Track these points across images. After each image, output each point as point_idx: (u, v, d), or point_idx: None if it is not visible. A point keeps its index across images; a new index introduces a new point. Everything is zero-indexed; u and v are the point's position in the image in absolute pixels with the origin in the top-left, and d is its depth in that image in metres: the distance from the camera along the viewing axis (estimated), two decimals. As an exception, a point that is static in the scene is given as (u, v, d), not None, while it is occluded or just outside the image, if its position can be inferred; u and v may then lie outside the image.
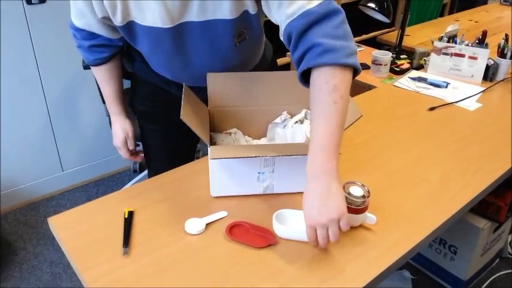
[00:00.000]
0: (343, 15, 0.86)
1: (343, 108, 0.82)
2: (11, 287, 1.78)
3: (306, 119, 1.11)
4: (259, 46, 1.19)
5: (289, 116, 1.12)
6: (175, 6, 0.92)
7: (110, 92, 1.21)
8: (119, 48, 1.14)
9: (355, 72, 0.86)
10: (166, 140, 1.30)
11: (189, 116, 0.91)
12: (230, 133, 1.12)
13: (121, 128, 1.24)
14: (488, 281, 1.79)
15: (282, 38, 0.90)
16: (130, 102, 1.30)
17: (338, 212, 0.79)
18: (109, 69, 1.17)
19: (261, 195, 1.01)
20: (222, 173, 0.96)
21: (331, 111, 0.81)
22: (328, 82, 0.81)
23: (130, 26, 0.97)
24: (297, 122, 1.11)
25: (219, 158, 0.91)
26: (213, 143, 1.08)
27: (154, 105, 1.25)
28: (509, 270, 1.85)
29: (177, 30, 0.97)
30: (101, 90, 1.23)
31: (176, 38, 0.98)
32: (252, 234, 0.89)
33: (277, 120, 1.12)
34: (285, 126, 1.12)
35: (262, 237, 0.88)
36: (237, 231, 0.90)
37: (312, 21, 0.83)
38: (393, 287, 1.73)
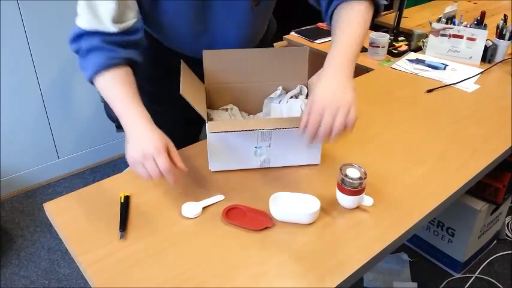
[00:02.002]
0: None
1: (363, 32, 0.91)
2: (9, 274, 1.79)
3: (301, 94, 1.12)
4: (268, 17, 1.21)
5: (285, 92, 1.13)
6: None
7: (131, 93, 0.91)
8: (134, 53, 0.96)
9: (376, 12, 0.97)
10: (176, 123, 1.27)
11: (188, 92, 0.91)
12: (226, 109, 1.13)
13: (158, 133, 0.87)
14: (485, 263, 1.80)
15: None
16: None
17: (352, 102, 0.82)
18: (127, 72, 0.93)
19: (258, 171, 1.01)
20: (220, 147, 0.97)
21: (356, 28, 0.90)
22: (354, 9, 0.92)
23: (152, 1, 0.96)
24: (292, 97, 1.11)
25: (217, 131, 0.92)
26: (210, 119, 1.09)
27: (165, 86, 1.22)
28: (507, 252, 1.86)
29: None
30: (114, 97, 0.91)
31: (196, 5, 1.00)
32: (248, 217, 0.88)
33: (273, 95, 1.13)
34: (280, 101, 1.12)
35: (258, 220, 0.88)
36: (233, 214, 0.89)
37: None
38: (391, 269, 1.75)
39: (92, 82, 0.94)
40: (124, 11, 0.91)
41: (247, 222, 0.87)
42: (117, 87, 0.91)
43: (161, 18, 1.01)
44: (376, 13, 0.97)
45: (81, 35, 0.91)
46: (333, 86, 0.84)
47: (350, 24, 0.92)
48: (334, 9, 0.96)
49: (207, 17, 1.05)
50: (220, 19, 1.06)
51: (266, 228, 0.86)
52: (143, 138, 0.84)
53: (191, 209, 0.90)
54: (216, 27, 1.07)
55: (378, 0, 0.95)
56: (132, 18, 0.93)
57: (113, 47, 0.91)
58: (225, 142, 0.97)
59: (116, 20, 0.90)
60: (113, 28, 0.90)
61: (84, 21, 0.90)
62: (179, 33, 1.10)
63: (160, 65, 1.19)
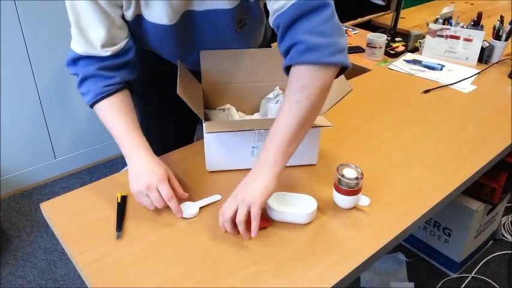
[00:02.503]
0: (332, 9, 0.82)
1: (306, 108, 0.81)
2: (6, 274, 1.78)
3: None
4: (260, 29, 1.18)
5: (282, 92, 1.13)
6: (179, 3, 0.93)
7: (129, 122, 0.93)
8: (128, 73, 0.98)
9: (344, 68, 0.84)
10: (167, 123, 1.28)
11: (185, 92, 0.92)
12: (224, 109, 1.13)
13: (160, 165, 0.90)
14: (482, 263, 1.81)
15: (270, 24, 0.90)
16: None
17: (253, 197, 0.81)
18: (122, 100, 0.95)
19: None
20: (217, 147, 0.98)
21: (291, 109, 0.82)
22: (298, 81, 0.81)
23: (138, 20, 0.95)
24: None
25: (214, 131, 0.92)
26: (207, 119, 1.09)
27: (154, 87, 1.23)
28: (503, 252, 1.87)
29: (180, 23, 0.97)
30: (113, 125, 0.93)
31: (181, 29, 0.99)
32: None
33: (270, 95, 1.13)
34: (277, 101, 1.12)
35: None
36: None
37: (298, 15, 0.81)
38: (388, 269, 1.75)
39: (90, 106, 0.97)
40: (114, 35, 0.92)
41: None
42: (115, 117, 0.93)
43: (146, 40, 1.00)
44: (342, 70, 0.85)
45: (77, 59, 0.93)
46: (249, 176, 0.84)
47: (287, 102, 0.82)
48: (289, 66, 0.84)
49: (190, 44, 1.04)
50: (205, 43, 1.04)
51: (264, 228, 0.86)
52: (145, 170, 0.88)
53: (188, 209, 0.90)
54: (201, 49, 1.06)
55: (333, 62, 0.81)
56: (123, 39, 0.94)
57: (108, 73, 0.93)
58: (222, 142, 0.97)
59: (108, 44, 0.91)
60: (105, 53, 0.92)
61: (77, 46, 0.92)
62: (166, 52, 1.09)
63: (148, 69, 1.19)
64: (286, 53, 0.84)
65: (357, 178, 0.89)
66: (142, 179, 0.87)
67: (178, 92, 0.88)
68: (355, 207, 0.92)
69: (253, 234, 0.82)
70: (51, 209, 0.92)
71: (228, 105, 1.13)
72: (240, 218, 0.80)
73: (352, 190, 0.89)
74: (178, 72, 0.97)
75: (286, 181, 0.99)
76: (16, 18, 1.88)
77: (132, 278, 0.76)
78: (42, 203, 0.94)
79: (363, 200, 0.91)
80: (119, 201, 0.92)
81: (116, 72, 0.94)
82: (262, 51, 1.11)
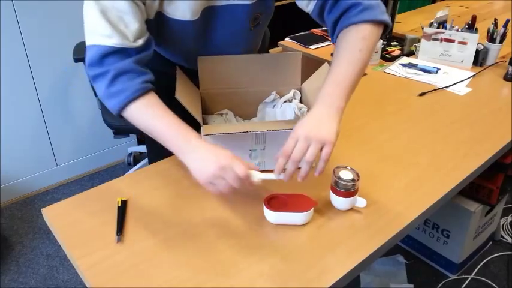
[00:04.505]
0: None
1: (365, 57, 0.89)
2: (8, 280, 1.79)
3: (295, 98, 1.14)
4: (264, 30, 1.22)
5: (278, 96, 1.15)
6: (203, 2, 0.96)
7: (174, 116, 0.87)
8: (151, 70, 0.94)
9: (385, 28, 0.94)
10: None
11: (183, 95, 0.93)
12: (222, 114, 1.15)
13: (219, 146, 0.85)
14: (481, 264, 1.82)
15: (309, 11, 0.98)
16: None
17: (327, 136, 0.82)
18: (157, 97, 0.89)
19: None
20: None
21: (354, 56, 0.88)
22: (358, 32, 0.89)
23: (158, 18, 0.96)
24: (286, 101, 1.13)
25: (211, 133, 0.93)
26: (204, 124, 1.10)
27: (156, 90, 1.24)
28: (502, 253, 1.88)
29: (201, 18, 0.99)
30: (159, 122, 0.86)
31: (200, 25, 1.01)
32: (291, 203, 0.90)
33: (267, 100, 1.15)
34: (274, 106, 1.14)
35: (302, 203, 0.90)
36: (275, 203, 0.90)
37: None
38: (387, 271, 1.76)
39: (118, 110, 0.87)
40: (144, 27, 0.90)
41: (292, 208, 0.89)
42: (159, 114, 0.87)
43: (165, 35, 1.01)
44: (385, 30, 0.94)
45: (106, 55, 0.85)
46: (316, 116, 0.84)
47: (349, 51, 0.89)
48: (339, 33, 0.93)
49: (204, 41, 1.06)
50: (221, 39, 1.07)
51: (311, 208, 0.89)
52: (211, 154, 0.83)
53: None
54: (215, 45, 1.08)
55: (385, 20, 0.91)
56: (147, 32, 0.92)
57: (142, 68, 0.89)
58: (220, 145, 0.98)
59: (138, 36, 0.88)
60: (137, 44, 0.88)
61: (108, 39, 0.85)
62: (179, 49, 1.11)
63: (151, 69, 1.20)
64: (337, 20, 0.93)
65: (353, 180, 0.90)
66: (212, 162, 0.81)
67: (176, 95, 0.89)
68: (352, 209, 0.94)
69: (316, 173, 0.84)
70: (52, 214, 0.93)
71: (226, 110, 1.15)
72: (311, 158, 0.82)
73: (349, 192, 0.90)
74: (177, 76, 0.98)
75: (284, 183, 1.00)
76: (16, 25, 1.90)
77: (133, 281, 0.78)
78: (43, 208, 0.95)
79: (360, 201, 0.92)
80: (119, 205, 0.94)
81: (147, 68, 0.90)
82: (260, 57, 1.13)
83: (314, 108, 0.86)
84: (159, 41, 1.03)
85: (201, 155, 0.83)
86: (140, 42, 0.89)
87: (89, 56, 0.86)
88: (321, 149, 0.82)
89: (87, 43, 0.87)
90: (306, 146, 0.82)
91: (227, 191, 0.82)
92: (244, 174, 0.80)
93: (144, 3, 0.89)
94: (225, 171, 0.80)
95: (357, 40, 0.89)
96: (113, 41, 0.85)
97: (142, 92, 0.86)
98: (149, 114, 0.87)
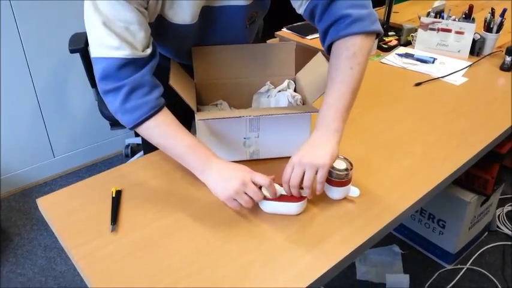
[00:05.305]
0: None
1: (358, 74, 0.89)
2: (6, 272, 1.80)
3: (289, 88, 1.14)
4: (258, 26, 1.22)
5: (273, 86, 1.15)
6: (201, 3, 0.96)
7: (191, 135, 0.91)
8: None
9: (377, 35, 0.93)
10: None
11: (177, 83, 0.92)
12: (216, 104, 1.14)
13: (236, 166, 0.89)
14: (476, 254, 1.83)
15: (301, 13, 0.97)
16: None
17: (320, 161, 0.85)
18: (170, 113, 0.91)
19: (247, 163, 1.02)
20: (209, 138, 0.99)
21: (346, 75, 0.88)
22: (348, 49, 0.88)
23: (158, 21, 0.96)
24: (280, 91, 1.13)
25: (205, 118, 0.93)
26: None
27: None
28: (498, 243, 1.89)
29: (199, 20, 1.00)
30: (179, 142, 0.89)
31: (198, 27, 1.01)
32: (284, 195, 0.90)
33: (262, 90, 1.15)
34: (268, 96, 1.14)
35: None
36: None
37: None
38: (383, 261, 1.77)
39: (133, 126, 0.88)
40: (148, 33, 0.89)
41: (286, 197, 0.89)
42: (177, 135, 0.89)
43: (163, 36, 1.01)
44: (377, 36, 0.94)
45: (121, 67, 0.84)
46: (310, 142, 0.88)
47: (341, 71, 0.88)
48: (330, 45, 0.92)
49: (205, 37, 1.07)
50: (217, 38, 1.08)
51: (304, 198, 0.89)
52: (231, 172, 0.87)
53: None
54: (212, 43, 1.09)
55: (375, 30, 0.90)
56: (151, 37, 0.91)
57: (153, 80, 0.89)
58: (214, 133, 0.98)
59: (147, 44, 0.88)
60: (145, 53, 0.87)
61: (120, 51, 0.83)
62: (176, 48, 1.11)
63: None
64: (327, 30, 0.92)
65: (346, 169, 0.91)
66: (234, 180, 0.85)
67: (170, 82, 0.89)
68: (345, 198, 0.94)
69: (318, 192, 0.88)
70: (47, 204, 0.94)
71: (221, 101, 1.15)
72: (309, 183, 0.85)
73: (342, 181, 0.91)
74: (171, 67, 0.98)
75: (278, 172, 1.01)
76: (12, 19, 1.90)
77: (127, 269, 0.78)
78: (38, 198, 0.95)
79: (353, 190, 0.93)
80: (114, 195, 0.94)
81: (157, 81, 0.90)
82: (254, 47, 1.12)
83: (311, 134, 0.90)
84: (155, 40, 1.02)
85: (221, 175, 0.87)
86: (148, 51, 0.88)
87: (100, 69, 0.85)
88: (317, 172, 0.85)
89: (94, 55, 0.85)
90: (301, 171, 0.86)
91: (249, 205, 0.87)
92: (268, 182, 0.86)
93: (146, 9, 0.88)
94: (246, 186, 0.85)
95: (347, 59, 0.88)
96: (124, 52, 0.83)
97: (158, 109, 0.88)
98: (166, 132, 0.89)
